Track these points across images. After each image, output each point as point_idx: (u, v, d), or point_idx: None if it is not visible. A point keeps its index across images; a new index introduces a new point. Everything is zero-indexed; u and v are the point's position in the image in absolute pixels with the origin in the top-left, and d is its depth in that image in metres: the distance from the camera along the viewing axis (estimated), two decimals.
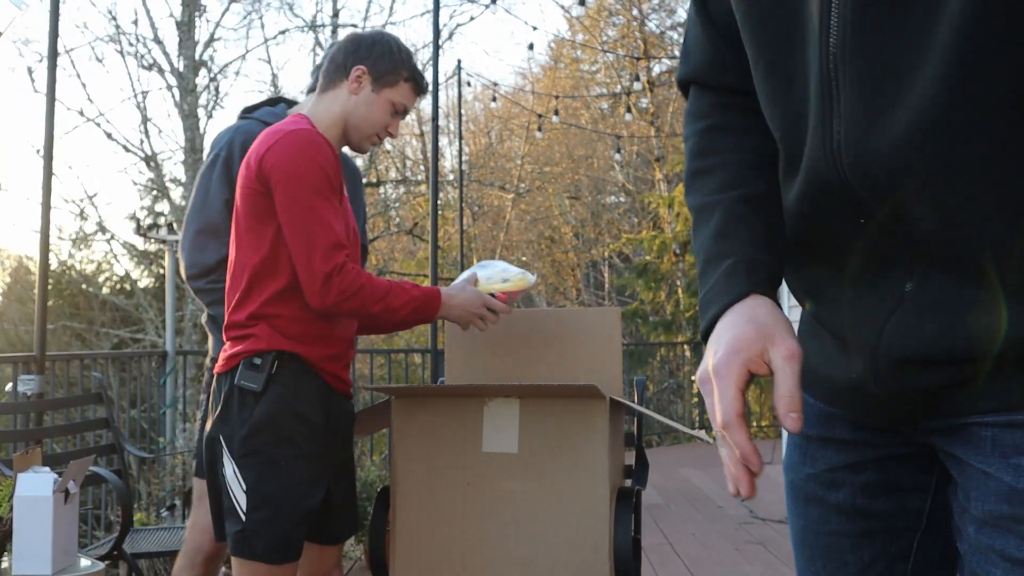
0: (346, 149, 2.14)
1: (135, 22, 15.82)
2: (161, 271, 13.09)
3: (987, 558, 0.84)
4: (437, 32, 5.87)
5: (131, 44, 12.45)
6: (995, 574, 0.84)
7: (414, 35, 30.68)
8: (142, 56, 12.19)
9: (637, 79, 10.60)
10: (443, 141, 15.02)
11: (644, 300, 11.73)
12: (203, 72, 12.42)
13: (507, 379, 2.27)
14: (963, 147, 0.78)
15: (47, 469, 2.21)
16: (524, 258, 16.35)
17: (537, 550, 1.95)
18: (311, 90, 2.35)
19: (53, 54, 3.74)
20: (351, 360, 2.09)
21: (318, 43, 12.95)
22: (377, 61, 2.03)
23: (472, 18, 20.22)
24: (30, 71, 14.52)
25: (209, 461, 1.93)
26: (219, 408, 1.91)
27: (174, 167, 13.20)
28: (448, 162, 15.21)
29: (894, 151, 0.80)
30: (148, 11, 12.18)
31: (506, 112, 16.34)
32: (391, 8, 22.12)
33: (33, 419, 3.62)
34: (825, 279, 0.94)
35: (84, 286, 14.00)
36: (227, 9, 14.86)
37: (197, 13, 11.92)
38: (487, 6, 13.59)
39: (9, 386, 3.87)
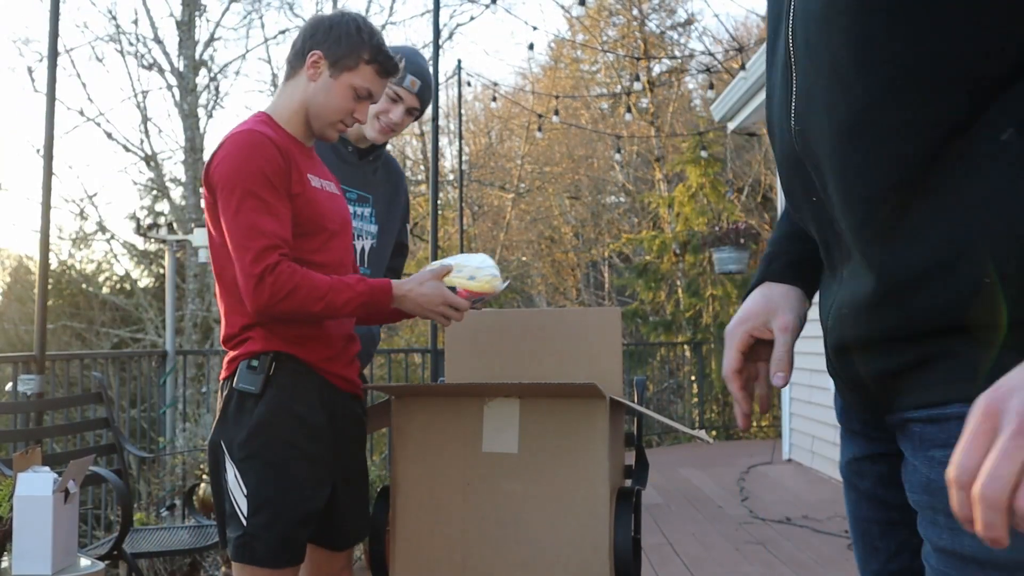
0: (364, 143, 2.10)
1: (135, 22, 15.84)
2: (161, 271, 13.09)
3: (926, 547, 0.87)
4: (437, 32, 5.86)
5: (131, 44, 12.46)
6: (931, 562, 0.85)
7: (414, 35, 30.66)
8: (142, 56, 12.21)
9: (637, 79, 10.59)
10: (443, 141, 15.02)
11: (644, 300, 11.72)
12: (203, 72, 12.44)
13: (507, 379, 2.27)
14: (857, 139, 0.86)
15: (47, 469, 2.21)
16: (524, 258, 16.35)
17: (537, 550, 1.95)
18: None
19: (53, 54, 3.74)
20: (355, 355, 2.05)
21: None
22: (334, 45, 1.94)
23: (472, 18, 20.24)
24: (30, 71, 14.54)
25: (212, 467, 1.92)
26: (219, 413, 1.91)
27: (174, 167, 13.22)
28: (448, 162, 15.22)
29: (815, 132, 0.89)
30: (148, 11, 12.18)
31: (506, 112, 16.33)
32: (391, 8, 22.10)
33: (33, 419, 3.62)
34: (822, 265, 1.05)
35: (84, 286, 14.00)
36: (227, 9, 14.89)
37: (197, 13, 11.93)
38: (487, 6, 13.61)
39: (9, 386, 3.87)
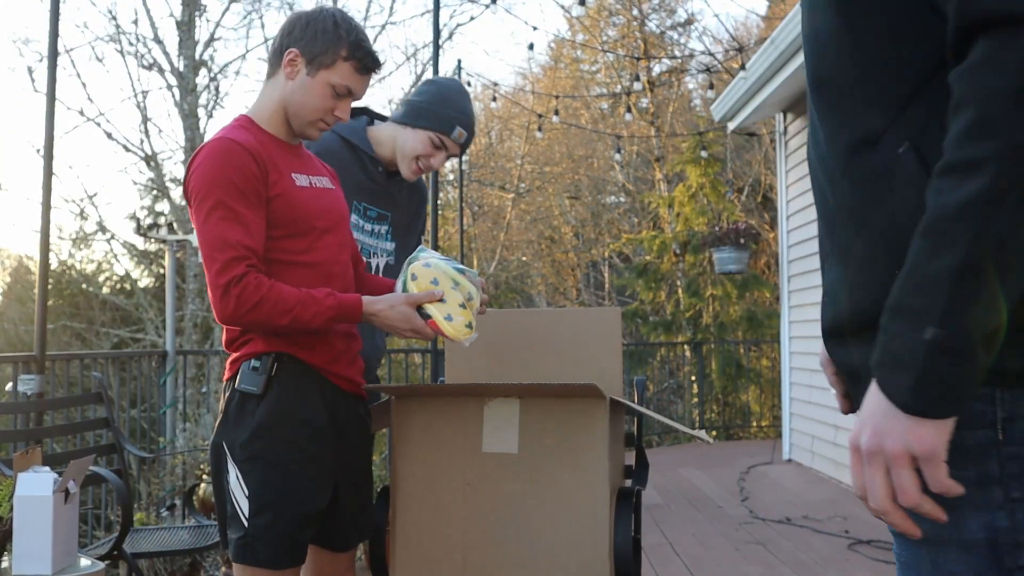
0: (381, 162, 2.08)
1: (135, 22, 15.84)
2: (161, 271, 13.09)
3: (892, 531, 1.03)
4: (437, 32, 5.86)
5: (131, 44, 12.44)
6: (894, 546, 1.02)
7: (414, 35, 30.67)
8: (142, 56, 12.19)
9: (637, 79, 10.58)
10: None
11: (644, 300, 11.72)
12: (203, 72, 12.43)
13: (507, 379, 2.27)
14: (818, 148, 1.03)
15: (47, 469, 2.21)
16: (524, 258, 16.34)
17: (537, 550, 1.95)
18: None
19: (53, 54, 3.74)
20: (357, 354, 2.04)
21: None
22: (311, 42, 1.90)
23: (472, 18, 20.25)
24: (30, 71, 14.52)
25: (214, 468, 1.92)
26: (221, 414, 1.91)
27: (174, 167, 13.17)
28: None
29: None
30: (148, 11, 12.15)
31: (506, 112, 16.33)
32: (391, 8, 22.09)
33: (33, 419, 3.62)
34: None
35: (84, 286, 14.00)
36: (227, 9, 14.88)
37: (197, 13, 11.92)
38: (487, 6, 13.60)
39: (9, 386, 3.87)
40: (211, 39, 12.54)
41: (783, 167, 7.30)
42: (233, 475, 1.85)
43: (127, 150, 12.39)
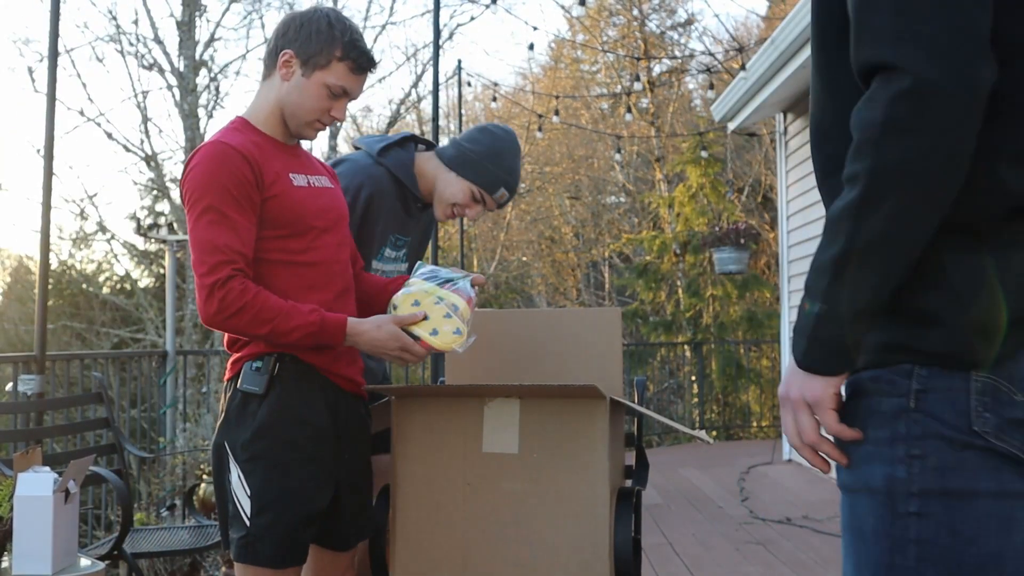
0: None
1: (135, 22, 15.79)
2: (161, 271, 13.09)
3: None
4: (437, 32, 5.87)
5: (131, 44, 12.41)
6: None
7: (414, 35, 30.68)
8: (142, 56, 12.20)
9: (637, 79, 10.58)
10: (443, 141, 14.99)
11: (644, 300, 11.72)
12: (203, 72, 12.43)
13: (507, 379, 2.27)
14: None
15: (47, 469, 2.21)
16: (524, 258, 16.34)
17: (537, 550, 1.95)
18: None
19: (53, 54, 3.74)
20: (358, 354, 2.03)
21: None
22: (305, 43, 1.89)
23: (472, 18, 20.23)
24: (30, 71, 14.52)
25: (215, 468, 1.92)
26: (223, 414, 1.91)
27: (174, 167, 13.17)
28: None
29: None
30: (148, 11, 12.13)
31: (506, 112, 16.32)
32: (391, 8, 22.05)
33: (33, 419, 3.63)
34: None
35: (84, 286, 14.00)
36: (227, 9, 14.82)
37: (197, 13, 11.93)
38: (487, 6, 13.60)
39: (9, 386, 3.87)
40: (211, 39, 12.56)
41: (783, 167, 7.30)
42: (235, 475, 1.85)
43: (127, 150, 12.42)
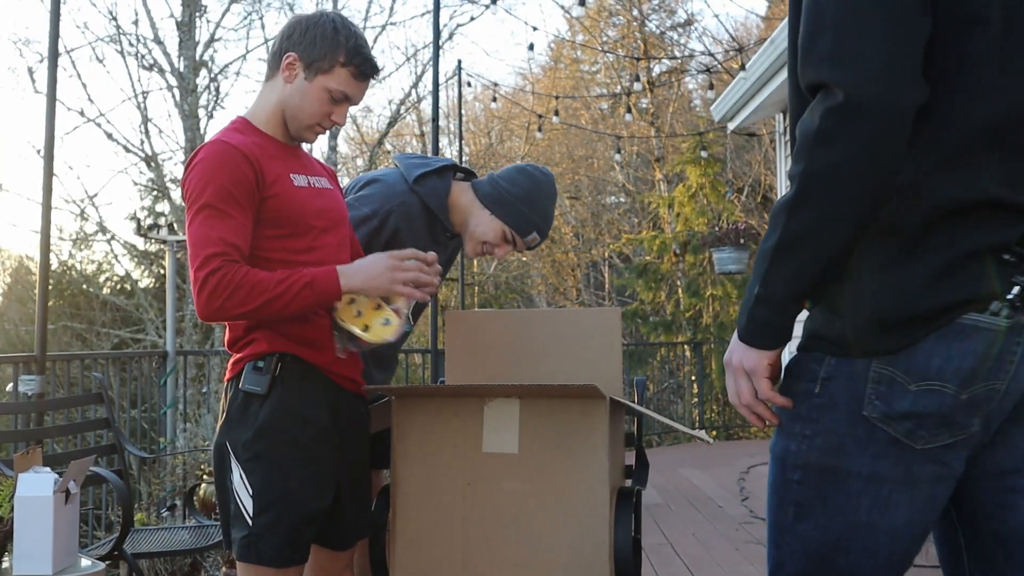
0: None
1: (135, 22, 15.73)
2: (161, 271, 13.09)
3: None
4: (437, 32, 5.87)
5: (131, 44, 12.40)
6: None
7: (414, 36, 30.68)
8: (143, 56, 12.19)
9: (637, 79, 10.58)
10: (443, 141, 15.01)
11: (644, 300, 11.72)
12: (204, 72, 12.43)
13: (507, 379, 2.27)
14: None
15: (48, 469, 2.21)
16: (524, 258, 16.34)
17: (537, 550, 1.96)
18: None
19: (54, 54, 3.75)
20: (358, 353, 2.03)
21: None
22: (309, 47, 1.89)
23: (472, 18, 20.18)
24: (31, 71, 14.49)
25: (217, 468, 1.92)
26: (225, 414, 1.91)
27: (175, 167, 13.16)
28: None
29: None
30: (148, 11, 12.12)
31: (506, 112, 16.33)
32: (391, 8, 22.02)
33: (34, 419, 3.63)
34: None
35: (85, 286, 14.00)
36: (227, 9, 14.78)
37: (197, 14, 11.93)
38: (487, 6, 13.58)
39: (10, 386, 3.88)
40: (211, 40, 12.55)
41: (783, 167, 7.31)
42: (237, 475, 1.86)
43: (127, 151, 12.40)
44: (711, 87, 8.83)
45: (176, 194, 12.64)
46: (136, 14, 20.03)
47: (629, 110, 10.98)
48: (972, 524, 1.22)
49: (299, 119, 1.94)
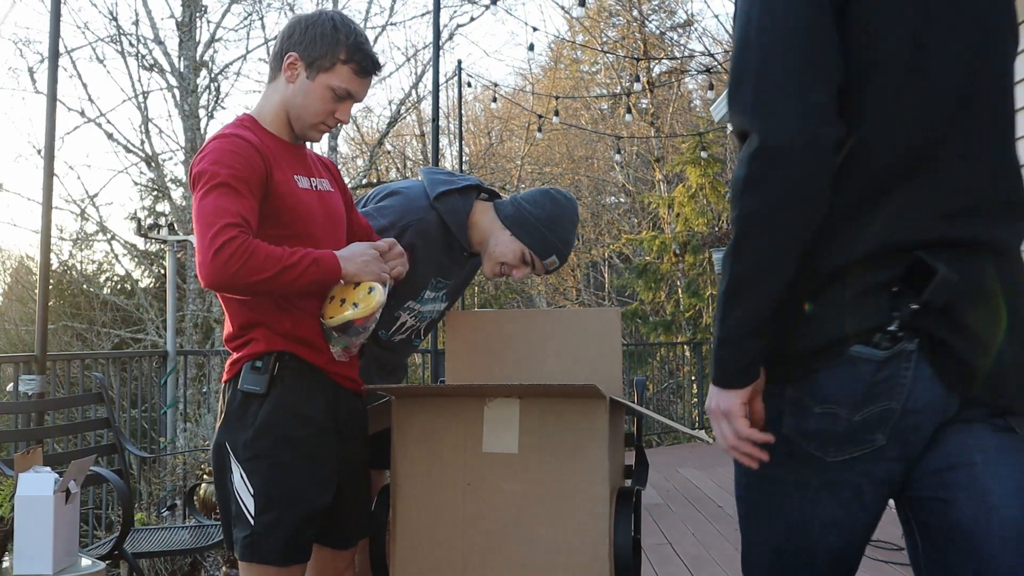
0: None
1: (136, 23, 15.75)
2: (162, 271, 13.10)
3: None
4: (437, 33, 5.87)
5: (132, 45, 12.41)
6: None
7: (415, 36, 30.71)
8: (143, 57, 12.19)
9: (637, 80, 10.61)
10: (443, 141, 15.03)
11: (644, 300, 11.73)
12: (204, 73, 12.42)
13: (507, 379, 2.27)
14: None
15: (48, 469, 2.22)
16: None
17: (537, 550, 1.96)
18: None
19: (54, 55, 3.75)
20: (358, 352, 2.03)
21: None
22: (310, 46, 1.90)
23: (472, 19, 20.14)
24: (31, 71, 14.49)
25: (217, 469, 1.92)
26: (223, 414, 1.91)
27: (175, 167, 13.16)
28: (448, 162, 15.22)
29: None
30: (149, 12, 12.12)
31: (506, 113, 16.34)
32: (391, 8, 22.04)
33: (34, 419, 3.63)
34: None
35: (85, 286, 14.00)
36: (228, 10, 14.80)
37: (198, 14, 11.93)
38: (487, 7, 13.59)
39: (10, 386, 3.88)
40: (212, 40, 12.55)
41: None
42: (237, 474, 1.86)
43: (128, 151, 12.40)
44: (711, 87, 8.84)
45: (176, 194, 12.65)
46: (136, 14, 20.05)
47: (629, 110, 10.99)
48: (921, 521, 1.29)
49: (303, 118, 1.95)
